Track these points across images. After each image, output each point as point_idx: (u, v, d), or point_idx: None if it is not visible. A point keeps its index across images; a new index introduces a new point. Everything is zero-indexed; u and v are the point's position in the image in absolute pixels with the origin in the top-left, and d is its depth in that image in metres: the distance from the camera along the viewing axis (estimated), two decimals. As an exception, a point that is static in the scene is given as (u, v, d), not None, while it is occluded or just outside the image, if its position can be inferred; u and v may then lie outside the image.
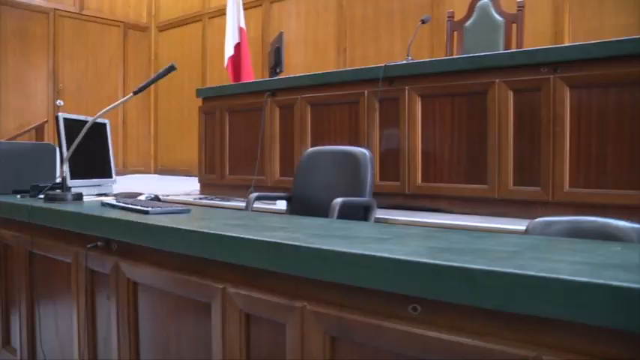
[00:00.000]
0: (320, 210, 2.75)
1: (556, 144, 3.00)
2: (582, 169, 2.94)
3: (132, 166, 8.94)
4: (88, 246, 1.95)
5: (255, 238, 1.38)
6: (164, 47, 9.21)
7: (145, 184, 6.70)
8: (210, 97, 4.99)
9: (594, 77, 2.92)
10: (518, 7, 4.44)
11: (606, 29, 4.93)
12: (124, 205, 2.09)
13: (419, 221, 2.97)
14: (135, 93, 2.47)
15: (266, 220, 1.86)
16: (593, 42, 3.01)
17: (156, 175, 8.96)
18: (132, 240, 1.79)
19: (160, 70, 2.47)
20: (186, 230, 1.58)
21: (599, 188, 2.88)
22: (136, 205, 2.03)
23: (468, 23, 4.59)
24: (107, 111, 2.43)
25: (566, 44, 4.66)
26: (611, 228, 1.83)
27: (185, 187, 5.50)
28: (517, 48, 4.34)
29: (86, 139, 2.38)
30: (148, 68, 9.21)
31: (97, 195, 2.73)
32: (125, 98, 2.62)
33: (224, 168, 4.73)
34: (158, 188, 5.90)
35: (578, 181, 2.95)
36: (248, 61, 6.41)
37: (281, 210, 3.41)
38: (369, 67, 3.81)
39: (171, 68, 2.48)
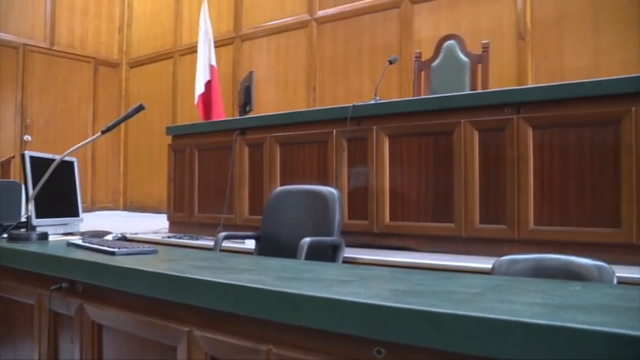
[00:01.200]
0: (288, 249, 2.76)
1: (520, 182, 3.07)
2: (546, 207, 3.00)
3: (100, 202, 8.83)
4: (52, 287, 1.92)
5: (221, 281, 1.39)
6: (135, 83, 9.22)
7: (114, 222, 6.63)
8: (180, 135, 4.98)
9: (555, 118, 3.01)
10: (483, 48, 4.56)
11: (567, 70, 5.10)
12: (90, 245, 2.07)
13: (387, 260, 2.98)
14: (103, 132, 2.47)
15: (233, 261, 1.87)
16: (553, 84, 3.11)
17: (125, 212, 8.85)
18: (97, 282, 1.77)
19: (129, 110, 2.47)
20: (152, 272, 1.57)
21: (563, 226, 2.95)
22: (102, 245, 2.02)
23: (434, 63, 4.69)
24: (74, 150, 2.42)
25: (529, 86, 4.80)
26: (574, 265, 1.88)
27: (154, 225, 5.45)
28: (483, 88, 4.44)
29: (53, 177, 2.36)
30: (118, 104, 9.18)
31: (63, 234, 2.70)
32: (93, 137, 2.61)
33: (193, 206, 4.70)
34: (126, 226, 5.84)
35: (542, 219, 3.01)
36: (218, 99, 6.45)
37: (250, 249, 3.40)
38: (338, 107, 3.86)
39: (140, 108, 2.49)
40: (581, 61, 5.06)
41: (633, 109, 2.78)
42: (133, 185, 9.05)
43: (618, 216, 2.79)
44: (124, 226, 5.90)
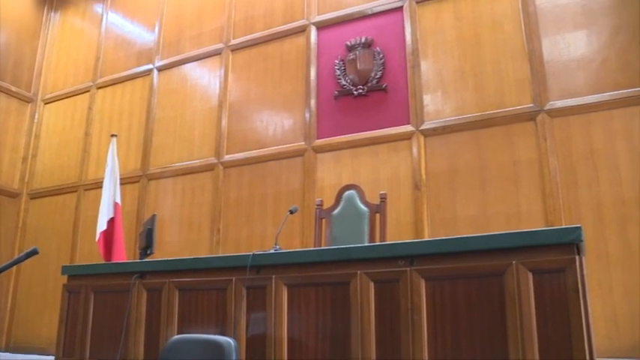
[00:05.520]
0: (181, 403, 2.67)
1: (415, 332, 3.15)
2: (440, 356, 3.08)
3: (-21, 341, 8.16)
4: None
5: None
6: (34, 215, 8.91)
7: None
8: (76, 275, 4.82)
9: (446, 270, 3.17)
10: (381, 198, 4.81)
11: (458, 220, 5.45)
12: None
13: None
14: (-10, 277, 2.39)
15: None
16: (443, 238, 3.31)
17: (7, 354, 8.18)
18: None
19: (21, 254, 2.43)
20: None
21: (456, 376, 3.02)
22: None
23: (335, 212, 4.88)
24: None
25: (421, 240, 5.04)
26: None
27: (39, 370, 5.10)
28: (380, 236, 4.64)
29: None
30: (13, 235, 8.76)
31: None
32: (-21, 283, 2.51)
33: (84, 351, 4.45)
34: (8, 371, 5.42)
35: (437, 369, 3.08)
36: (120, 237, 6.35)
37: (141, 401, 3.25)
38: (238, 255, 3.90)
39: (33, 252, 2.45)
40: (470, 211, 5.44)
41: (514, 262, 2.99)
42: (20, 323, 8.44)
43: (507, 365, 2.91)
44: (5, 371, 5.47)
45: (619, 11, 5.31)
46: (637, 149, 4.92)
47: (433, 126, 5.89)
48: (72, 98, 9.13)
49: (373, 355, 3.23)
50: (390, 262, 3.33)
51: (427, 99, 6.01)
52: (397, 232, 5.42)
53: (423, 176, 5.77)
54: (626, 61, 5.16)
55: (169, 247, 6.86)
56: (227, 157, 7.10)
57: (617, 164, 4.97)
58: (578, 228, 2.91)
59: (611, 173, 4.97)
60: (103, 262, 6.20)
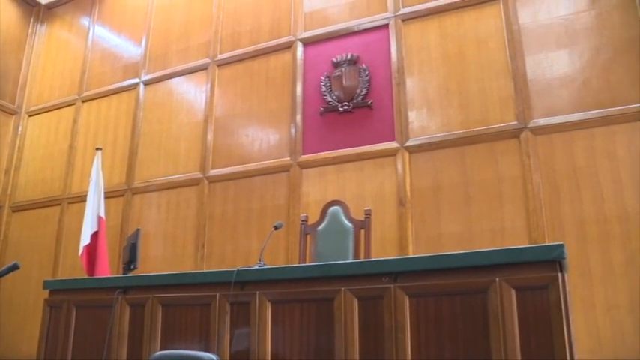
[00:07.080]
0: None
1: (398, 349, 3.15)
2: (423, 374, 3.09)
3: (-45, 355, 8.04)
4: None
5: None
6: (16, 228, 8.82)
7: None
8: (58, 290, 4.77)
9: (429, 287, 3.18)
10: (366, 214, 4.82)
11: (443, 236, 5.47)
12: None
13: None
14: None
15: None
16: (427, 255, 3.33)
17: (-14, 370, 8.08)
18: None
19: (2, 268, 2.42)
20: None
21: (440, 393, 3.02)
22: None
23: (320, 227, 4.88)
24: None
25: (405, 256, 5.07)
26: None
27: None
28: (365, 252, 4.64)
29: None
30: (-6, 248, 8.70)
31: None
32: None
33: (65, 367, 4.41)
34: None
35: (420, 386, 3.08)
36: (104, 252, 6.31)
37: (122, 419, 3.22)
38: (222, 271, 3.89)
39: (14, 267, 2.44)
40: (455, 227, 5.46)
41: (497, 279, 3.01)
42: (0, 337, 8.35)
43: (491, 381, 2.92)
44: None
45: (600, 32, 5.40)
46: (618, 167, 4.99)
47: (418, 143, 5.93)
48: (57, 111, 9.08)
49: (357, 373, 3.23)
50: (374, 279, 3.33)
51: (412, 116, 6.05)
52: (382, 249, 5.43)
53: (408, 193, 5.79)
54: (607, 80, 5.24)
55: (153, 262, 6.81)
56: (212, 172, 7.09)
57: (598, 182, 5.03)
58: (561, 245, 2.93)
59: (593, 191, 5.03)
60: (86, 276, 6.15)
